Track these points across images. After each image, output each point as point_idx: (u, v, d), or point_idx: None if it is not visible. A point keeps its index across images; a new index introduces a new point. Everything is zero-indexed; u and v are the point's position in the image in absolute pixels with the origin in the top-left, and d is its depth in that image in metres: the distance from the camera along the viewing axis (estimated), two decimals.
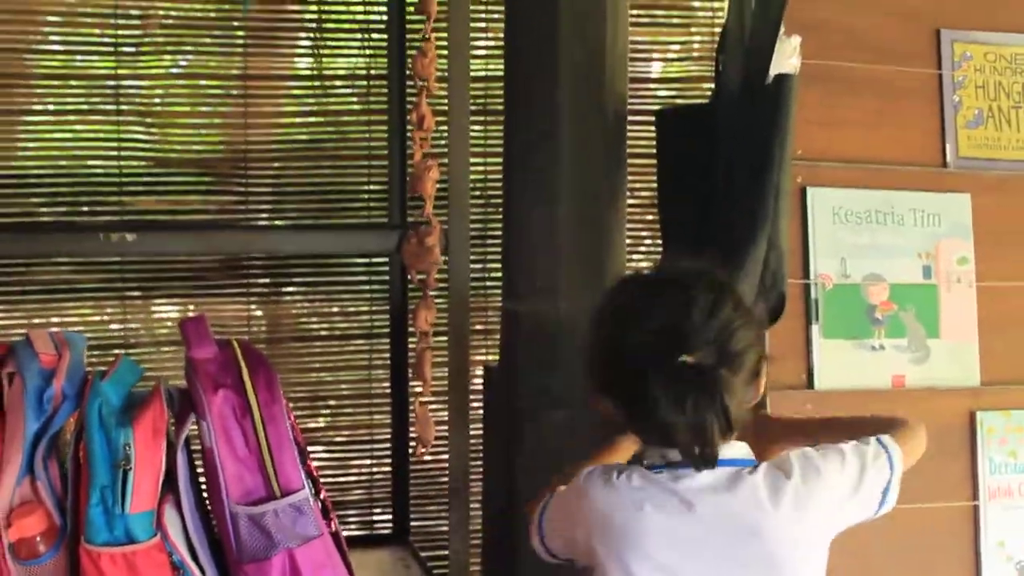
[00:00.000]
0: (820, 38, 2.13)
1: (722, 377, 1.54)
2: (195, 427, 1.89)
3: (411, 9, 2.43)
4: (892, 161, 2.35)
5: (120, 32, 2.73)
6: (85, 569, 1.77)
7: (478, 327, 2.73)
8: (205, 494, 1.93)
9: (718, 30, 2.30)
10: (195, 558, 1.83)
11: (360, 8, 2.85)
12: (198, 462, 1.94)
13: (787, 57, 2.13)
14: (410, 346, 2.38)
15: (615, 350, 1.61)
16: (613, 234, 2.28)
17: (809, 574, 1.60)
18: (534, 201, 2.26)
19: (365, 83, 2.86)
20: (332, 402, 2.94)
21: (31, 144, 2.72)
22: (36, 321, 2.76)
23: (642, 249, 2.95)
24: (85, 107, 2.74)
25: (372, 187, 2.85)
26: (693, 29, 3.04)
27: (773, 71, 2.12)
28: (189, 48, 2.81)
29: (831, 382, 2.26)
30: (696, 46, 3.03)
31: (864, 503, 1.61)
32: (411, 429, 2.25)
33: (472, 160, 2.74)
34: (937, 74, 2.41)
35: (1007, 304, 2.44)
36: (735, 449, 1.62)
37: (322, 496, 1.92)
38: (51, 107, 2.73)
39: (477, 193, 2.88)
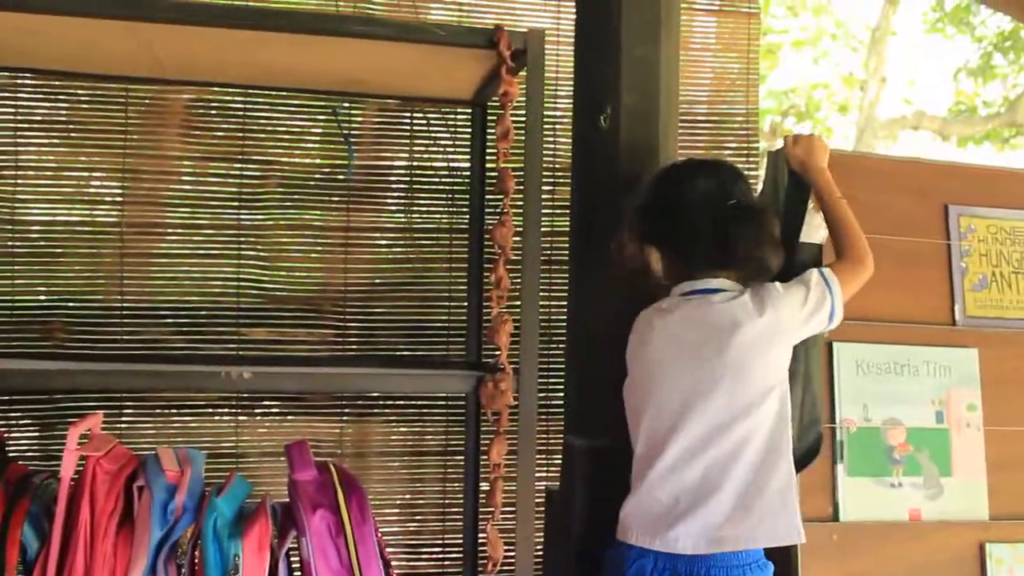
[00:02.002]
0: None
1: (758, 214, 2.01)
2: (295, 542, 1.89)
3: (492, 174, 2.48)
4: (908, 319, 2.34)
5: (244, 190, 2.80)
6: None
7: (540, 449, 2.72)
8: None
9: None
10: None
11: (446, 172, 2.91)
12: (297, 573, 1.93)
13: (815, 228, 2.15)
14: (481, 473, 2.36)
15: (676, 200, 2.04)
16: None
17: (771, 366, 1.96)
18: (595, 345, 2.27)
19: (448, 236, 2.90)
20: (410, 511, 2.92)
21: (163, 282, 2.78)
22: (162, 429, 2.78)
23: None
24: (211, 251, 2.80)
25: (452, 325, 2.87)
26: None
27: (802, 239, 2.14)
28: (300, 202, 2.87)
29: (854, 515, 2.21)
30: None
31: (818, 324, 1.99)
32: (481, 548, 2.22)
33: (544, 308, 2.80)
34: (946, 244, 2.41)
35: (1012, 446, 2.39)
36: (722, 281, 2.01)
37: None
38: (182, 251, 2.80)
39: (543, 331, 2.89)
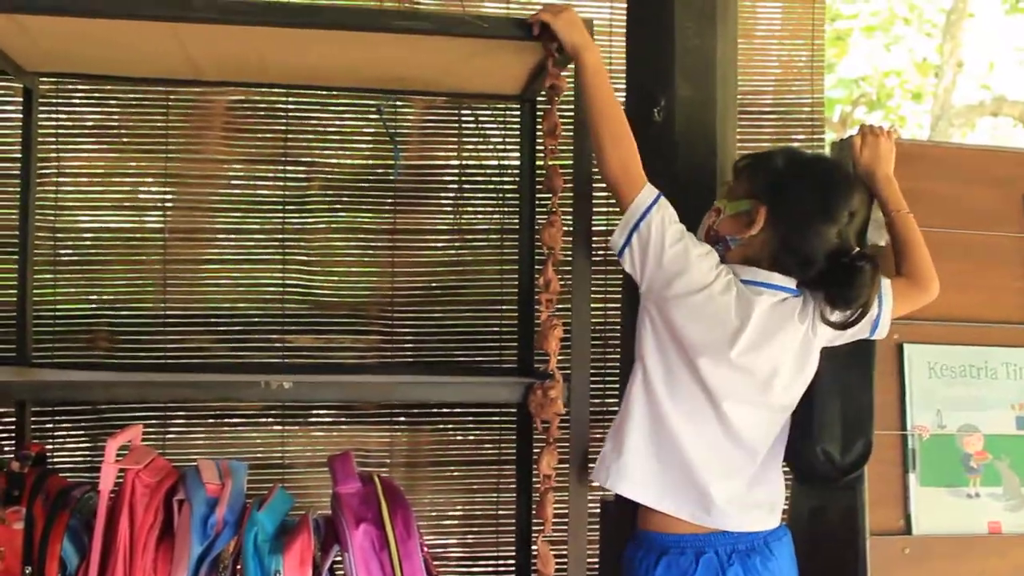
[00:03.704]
0: (918, 206, 2.08)
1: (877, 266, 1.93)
2: (339, 556, 1.88)
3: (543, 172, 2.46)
4: (984, 319, 2.25)
5: (288, 193, 2.81)
6: None
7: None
8: None
9: None
10: None
11: (496, 171, 2.88)
12: None
13: (879, 230, 2.10)
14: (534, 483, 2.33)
15: (820, 205, 1.93)
16: None
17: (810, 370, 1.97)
18: None
19: (499, 237, 2.88)
20: (463, 523, 2.90)
21: (207, 289, 2.79)
22: (210, 440, 2.80)
23: None
24: (255, 256, 2.81)
25: (504, 330, 2.85)
26: None
27: (869, 240, 2.09)
28: (346, 204, 2.87)
29: (928, 527, 2.14)
30: None
31: (858, 332, 1.96)
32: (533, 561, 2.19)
33: (593, 307, 2.76)
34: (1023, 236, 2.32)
35: None
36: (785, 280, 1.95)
37: None
38: (226, 256, 2.81)
39: (597, 336, 2.86)
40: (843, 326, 1.92)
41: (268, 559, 1.79)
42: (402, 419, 2.87)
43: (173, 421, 2.78)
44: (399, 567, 1.81)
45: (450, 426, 2.91)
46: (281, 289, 2.80)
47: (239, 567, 1.83)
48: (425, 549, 1.90)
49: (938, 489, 2.17)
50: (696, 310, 1.89)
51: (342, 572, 1.88)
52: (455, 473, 2.91)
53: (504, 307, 2.85)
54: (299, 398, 1.90)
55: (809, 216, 1.92)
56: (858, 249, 1.96)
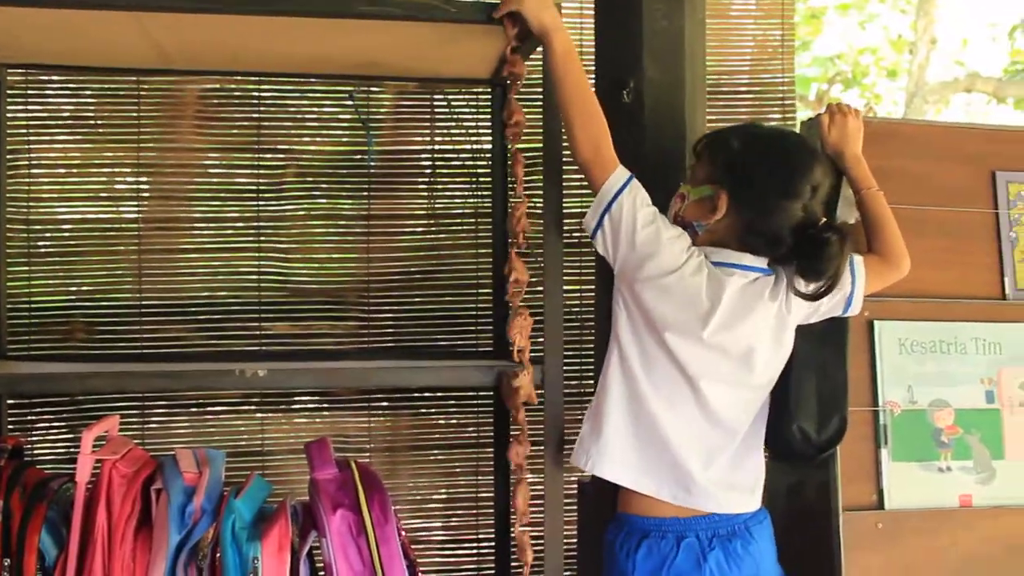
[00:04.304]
0: (890, 184, 2.09)
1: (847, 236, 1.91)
2: (317, 542, 1.89)
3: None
4: (954, 295, 2.27)
5: (262, 181, 2.80)
6: None
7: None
8: None
9: None
10: None
11: (469, 156, 2.88)
12: (321, 574, 1.93)
13: (849, 207, 2.10)
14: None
15: (783, 183, 1.90)
16: None
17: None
18: None
19: (473, 221, 2.88)
20: (443, 507, 2.92)
21: (183, 278, 2.79)
22: (189, 429, 2.80)
23: None
24: (230, 244, 2.81)
25: (480, 313, 2.86)
26: None
27: (839, 217, 2.10)
28: (320, 191, 2.87)
29: (900, 502, 2.16)
30: None
31: (830, 310, 1.98)
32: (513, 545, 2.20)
33: (568, 289, 2.77)
34: (994, 213, 2.34)
35: None
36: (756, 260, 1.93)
37: None
38: (200, 245, 2.80)
39: (574, 318, 2.87)
40: (815, 297, 1.90)
41: (246, 546, 1.80)
42: (383, 404, 2.87)
43: (152, 411, 2.78)
44: (376, 551, 1.82)
45: (431, 410, 2.92)
46: (257, 277, 2.80)
47: (218, 555, 1.83)
48: (403, 533, 1.91)
49: (909, 464, 2.19)
50: (667, 292, 1.88)
51: (320, 558, 1.89)
52: (436, 457, 2.92)
53: (480, 291, 2.86)
54: (274, 385, 1.90)
55: (770, 196, 1.91)
56: (824, 220, 1.94)
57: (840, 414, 2.05)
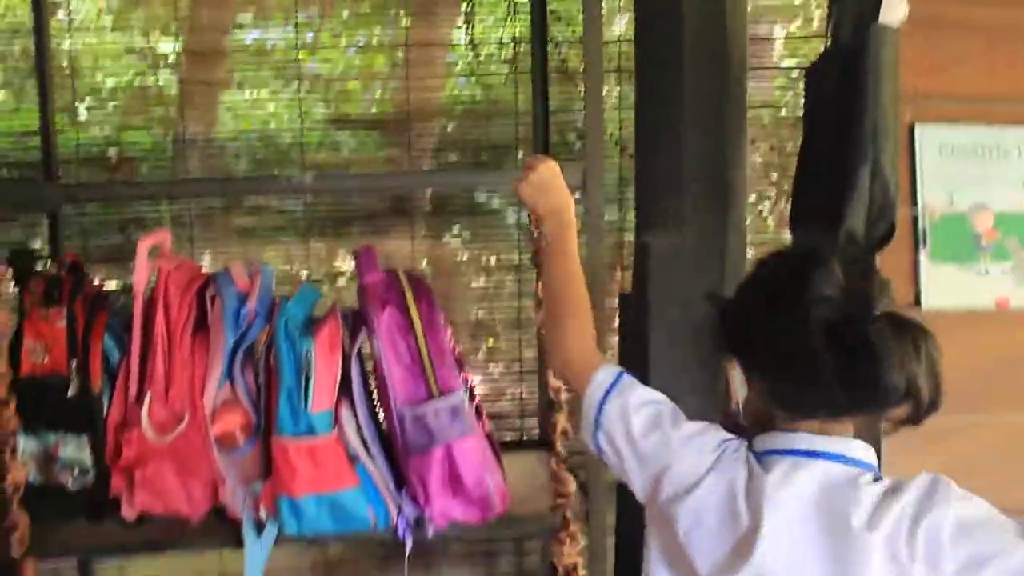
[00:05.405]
0: None
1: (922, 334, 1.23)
2: (366, 346, 1.96)
3: None
4: (998, 97, 2.24)
5: (301, 9, 2.80)
6: (276, 458, 1.86)
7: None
8: (376, 400, 2.00)
9: None
10: (368, 451, 1.90)
11: None
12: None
13: (895, 6, 2.05)
14: None
15: (791, 319, 1.25)
16: (735, 172, 2.26)
17: None
18: (664, 144, 2.26)
19: (512, 47, 2.87)
20: (486, 328, 2.99)
21: (228, 112, 2.82)
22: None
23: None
24: (273, 77, 2.82)
25: (519, 140, 2.87)
26: None
27: (882, 19, 2.05)
28: (359, 20, 2.86)
29: (937, 302, 2.18)
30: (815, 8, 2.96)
31: None
32: None
33: (610, 114, 2.79)
34: None
35: None
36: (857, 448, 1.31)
37: (476, 401, 1.97)
38: (245, 78, 2.82)
39: (616, 144, 2.88)
40: (914, 416, 1.24)
41: (300, 342, 1.87)
42: (423, 232, 2.91)
43: (197, 244, 2.84)
44: (424, 344, 1.88)
45: (471, 237, 2.96)
46: (298, 109, 2.82)
47: (272, 354, 1.91)
48: (449, 332, 1.97)
49: (948, 266, 2.21)
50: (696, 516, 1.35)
51: (369, 361, 1.96)
52: (477, 283, 2.98)
53: (519, 116, 2.86)
54: (319, 189, 1.94)
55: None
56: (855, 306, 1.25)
57: (889, 216, 2.05)
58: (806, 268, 1.28)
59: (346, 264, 2.82)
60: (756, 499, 1.28)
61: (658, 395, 1.45)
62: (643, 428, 1.40)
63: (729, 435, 1.38)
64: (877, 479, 1.29)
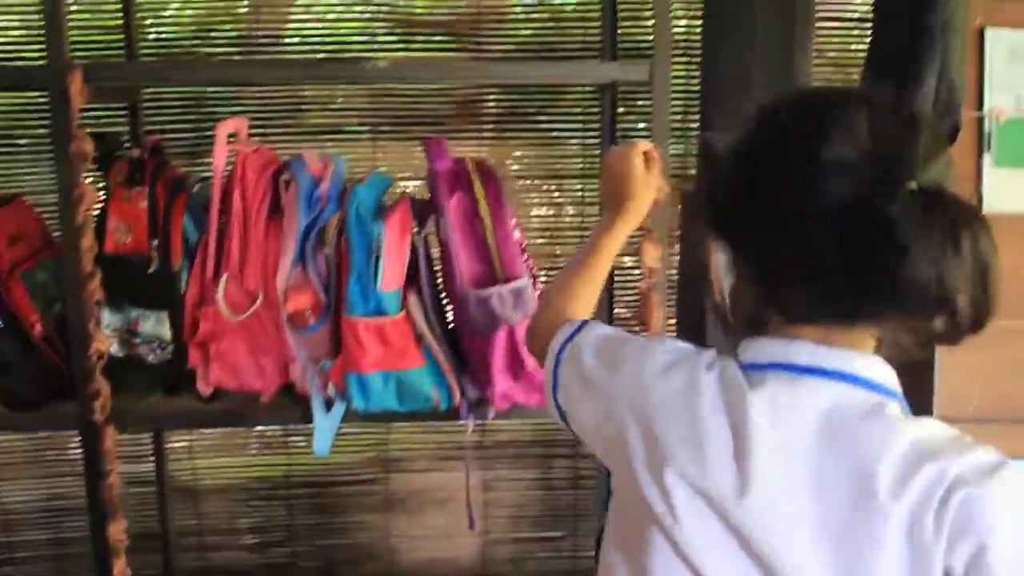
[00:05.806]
0: None
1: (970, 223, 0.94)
2: (433, 232, 2.02)
3: None
4: None
5: None
6: (345, 336, 1.94)
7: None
8: (441, 285, 2.07)
9: None
10: (433, 333, 1.97)
11: None
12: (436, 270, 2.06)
13: None
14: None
15: (790, 189, 1.00)
16: (800, 75, 2.27)
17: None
18: (729, 45, 2.28)
19: None
20: (549, 234, 3.03)
21: (295, 14, 2.86)
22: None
23: None
24: None
25: (589, 46, 2.88)
26: None
27: None
28: None
29: (999, 206, 2.20)
30: None
31: None
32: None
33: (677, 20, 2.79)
34: None
35: None
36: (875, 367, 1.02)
37: (538, 287, 2.03)
38: None
39: (680, 52, 2.88)
40: (950, 330, 0.97)
41: (370, 225, 1.93)
42: (488, 134, 2.95)
43: (269, 140, 2.90)
44: (492, 228, 1.94)
45: (533, 141, 2.98)
46: (368, 8, 2.85)
47: (343, 238, 1.98)
48: (515, 220, 2.02)
49: (1012, 170, 2.21)
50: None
51: (436, 248, 2.02)
52: (539, 188, 3.02)
53: (588, 23, 2.87)
54: (393, 76, 1.98)
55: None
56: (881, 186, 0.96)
57: (954, 115, 2.05)
58: (823, 119, 0.99)
59: (413, 167, 2.86)
60: (736, 417, 1.00)
61: (621, 331, 1.23)
62: (594, 360, 1.17)
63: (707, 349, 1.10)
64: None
